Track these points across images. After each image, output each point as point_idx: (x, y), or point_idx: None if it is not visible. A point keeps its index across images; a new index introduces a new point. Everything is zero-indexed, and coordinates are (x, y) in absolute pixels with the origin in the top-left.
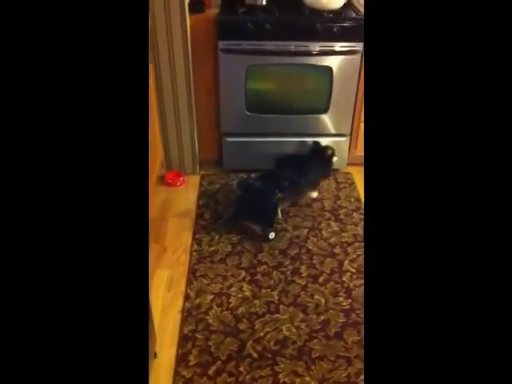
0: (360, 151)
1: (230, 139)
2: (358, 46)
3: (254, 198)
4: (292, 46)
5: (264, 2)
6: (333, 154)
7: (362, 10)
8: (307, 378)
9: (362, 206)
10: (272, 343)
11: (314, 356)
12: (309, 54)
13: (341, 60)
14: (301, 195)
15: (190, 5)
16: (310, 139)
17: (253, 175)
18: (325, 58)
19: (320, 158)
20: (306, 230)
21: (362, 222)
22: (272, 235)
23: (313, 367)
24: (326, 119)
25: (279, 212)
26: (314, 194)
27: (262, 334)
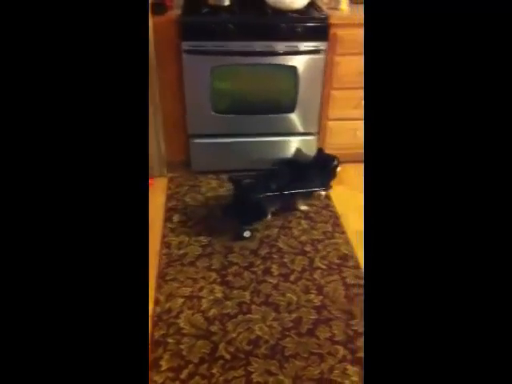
0: (328, 149)
1: (197, 141)
2: (322, 46)
3: (239, 195)
4: (256, 46)
5: (227, 3)
6: (337, 165)
7: (325, 9)
8: (281, 377)
9: (332, 204)
10: (244, 343)
11: (286, 354)
12: (273, 53)
13: (305, 59)
14: (290, 202)
15: (151, 6)
16: (278, 138)
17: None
18: (290, 57)
19: (321, 166)
20: (277, 229)
21: (332, 220)
22: (247, 234)
23: (286, 365)
24: (294, 118)
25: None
26: (303, 207)
27: (234, 335)
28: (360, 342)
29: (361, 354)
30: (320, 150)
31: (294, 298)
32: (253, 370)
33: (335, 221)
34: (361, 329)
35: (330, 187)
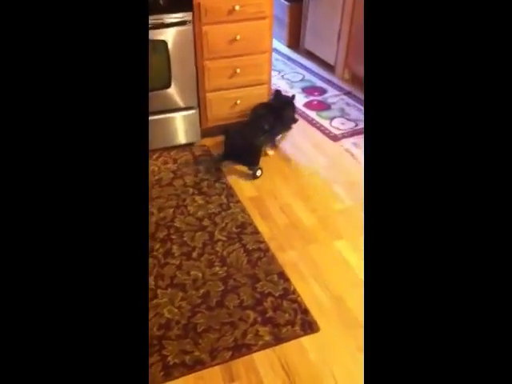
0: (211, 122)
1: None
2: (188, 16)
3: (238, 143)
4: None
5: None
6: (293, 98)
7: None
8: (196, 353)
9: (223, 175)
10: (155, 329)
11: (199, 330)
12: None
13: (174, 32)
14: (278, 136)
15: None
16: (160, 116)
17: None
18: (157, 31)
19: (286, 103)
20: (172, 210)
21: (225, 191)
22: (259, 172)
23: (200, 341)
24: (171, 94)
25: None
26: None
27: None
28: (267, 303)
29: (269, 314)
30: (278, 91)
31: (199, 274)
32: (167, 353)
33: (229, 191)
34: (267, 290)
35: (297, 119)
